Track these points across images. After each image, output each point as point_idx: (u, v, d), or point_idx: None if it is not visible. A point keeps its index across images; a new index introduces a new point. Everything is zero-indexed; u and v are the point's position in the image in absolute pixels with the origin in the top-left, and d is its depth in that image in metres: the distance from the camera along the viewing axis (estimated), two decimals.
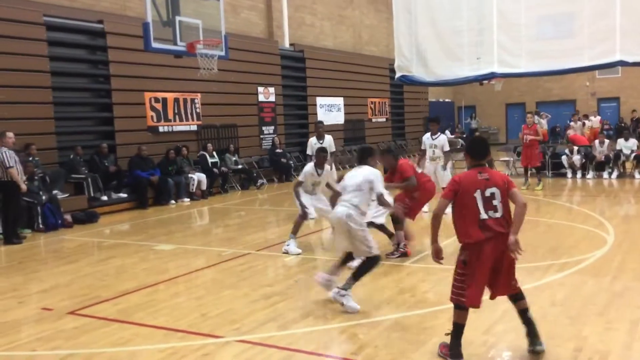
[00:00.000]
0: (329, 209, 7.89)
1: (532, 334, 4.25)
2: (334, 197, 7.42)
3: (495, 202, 4.09)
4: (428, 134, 11.01)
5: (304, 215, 7.95)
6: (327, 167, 8.28)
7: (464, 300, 4.12)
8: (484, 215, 4.07)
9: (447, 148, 10.85)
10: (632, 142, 15.74)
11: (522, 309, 4.29)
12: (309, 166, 8.15)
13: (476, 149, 4.31)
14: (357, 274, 5.43)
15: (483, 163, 4.27)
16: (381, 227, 7.41)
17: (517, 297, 4.30)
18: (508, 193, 4.13)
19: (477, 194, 4.09)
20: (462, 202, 4.13)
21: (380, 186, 5.53)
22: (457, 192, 4.14)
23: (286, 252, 7.84)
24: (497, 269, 4.14)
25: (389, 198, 6.67)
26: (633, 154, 15.30)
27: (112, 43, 13.31)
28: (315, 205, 8.10)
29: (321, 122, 11.25)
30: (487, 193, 4.09)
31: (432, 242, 4.26)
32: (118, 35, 13.33)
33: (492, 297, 4.30)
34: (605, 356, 4.21)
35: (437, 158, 10.76)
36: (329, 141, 10.61)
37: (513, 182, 4.26)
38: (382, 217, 7.32)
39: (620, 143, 15.74)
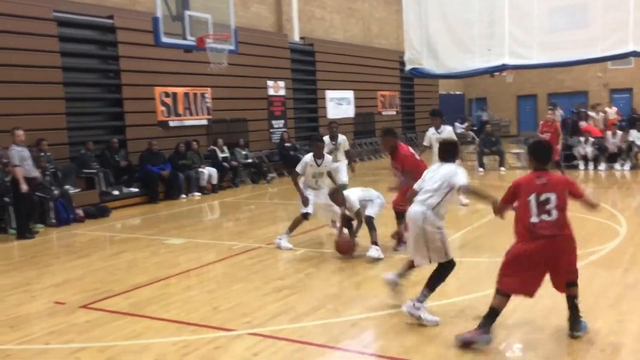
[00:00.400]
0: (330, 204, 7.88)
1: (572, 320, 4.40)
2: (334, 192, 7.39)
3: (549, 207, 4.24)
4: (432, 129, 10.53)
5: (305, 216, 7.84)
6: (327, 157, 8.15)
7: (499, 286, 4.32)
8: (534, 219, 4.23)
9: (454, 139, 10.67)
10: None
11: (570, 295, 4.42)
12: (307, 156, 7.98)
13: (541, 153, 4.48)
14: (432, 283, 4.93)
15: (545, 167, 4.42)
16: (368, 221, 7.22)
17: (569, 284, 4.42)
18: (574, 198, 4.35)
19: (532, 198, 4.27)
20: (518, 204, 4.37)
21: (461, 179, 4.90)
22: (515, 195, 4.40)
23: (278, 247, 7.80)
24: (553, 269, 4.31)
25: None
26: None
27: (122, 38, 13.35)
28: (317, 201, 7.91)
29: (335, 123, 10.70)
30: (542, 197, 4.25)
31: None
32: (128, 30, 13.37)
33: (559, 290, 4.45)
34: (618, 348, 4.18)
35: None
36: (342, 141, 10.10)
37: (576, 185, 4.41)
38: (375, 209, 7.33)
39: (633, 134, 15.58)
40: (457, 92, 30.69)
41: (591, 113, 21.90)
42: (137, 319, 5.25)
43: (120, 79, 13.45)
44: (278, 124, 18.04)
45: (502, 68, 15.25)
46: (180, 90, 14.64)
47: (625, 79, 26.80)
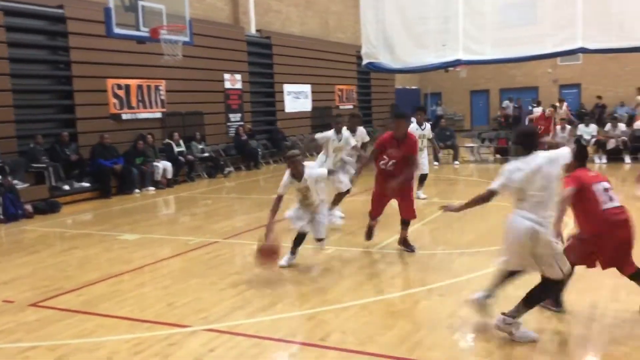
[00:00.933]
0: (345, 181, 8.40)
1: None
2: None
3: (610, 193, 4.49)
4: (414, 125, 10.33)
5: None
6: (344, 132, 8.56)
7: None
8: (607, 205, 4.43)
9: (430, 135, 10.81)
10: (592, 127, 16.13)
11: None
12: (329, 132, 8.52)
13: (583, 154, 4.75)
14: (531, 300, 4.28)
15: (585, 165, 4.70)
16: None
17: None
18: None
19: (597, 187, 4.47)
20: (584, 197, 4.47)
21: (567, 153, 4.39)
22: (579, 187, 4.48)
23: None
24: (625, 250, 4.50)
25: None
26: (593, 139, 15.67)
27: (72, 29, 12.95)
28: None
29: (357, 115, 10.20)
30: (603, 185, 4.50)
31: (556, 226, 4.37)
32: (79, 20, 12.97)
33: (625, 273, 4.59)
34: (566, 336, 4.32)
35: (423, 148, 10.56)
36: (361, 134, 9.59)
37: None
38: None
39: (581, 129, 16.10)
40: (413, 87, 31.05)
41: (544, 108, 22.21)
42: (89, 317, 5.13)
43: (71, 71, 13.06)
44: (235, 117, 17.87)
45: (456, 63, 15.51)
46: (133, 82, 14.32)
47: (573, 74, 27.63)
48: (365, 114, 26.00)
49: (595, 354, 4.19)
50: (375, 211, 7.07)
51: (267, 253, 5.90)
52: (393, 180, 6.64)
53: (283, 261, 6.41)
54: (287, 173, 6.24)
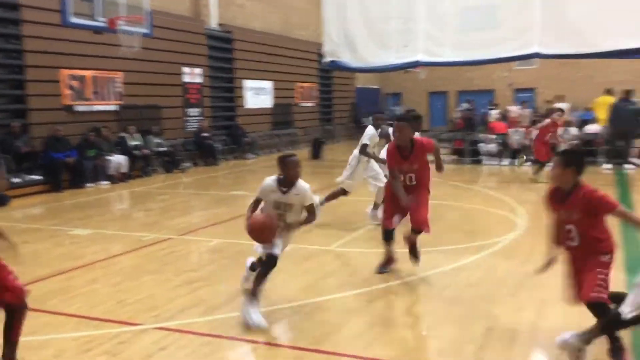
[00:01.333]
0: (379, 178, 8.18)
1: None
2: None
3: None
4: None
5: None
6: (384, 127, 8.55)
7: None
8: None
9: None
10: None
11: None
12: (370, 129, 8.43)
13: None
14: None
15: None
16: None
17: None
18: None
19: None
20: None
21: None
22: None
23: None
24: None
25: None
26: None
27: (26, 17, 12.52)
28: (366, 175, 8.39)
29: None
30: None
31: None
32: (33, 8, 12.54)
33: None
34: (515, 335, 4.42)
35: None
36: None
37: None
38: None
39: (535, 132, 16.46)
40: (374, 87, 31.27)
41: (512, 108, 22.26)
42: (37, 314, 4.94)
43: (24, 60, 12.63)
44: (194, 112, 17.62)
45: (416, 64, 15.71)
46: (88, 74, 13.94)
47: (527, 79, 28.29)
48: (326, 112, 26.08)
49: (540, 354, 4.29)
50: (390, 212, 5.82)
51: (260, 221, 4.79)
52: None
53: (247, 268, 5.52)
54: (274, 178, 4.94)
